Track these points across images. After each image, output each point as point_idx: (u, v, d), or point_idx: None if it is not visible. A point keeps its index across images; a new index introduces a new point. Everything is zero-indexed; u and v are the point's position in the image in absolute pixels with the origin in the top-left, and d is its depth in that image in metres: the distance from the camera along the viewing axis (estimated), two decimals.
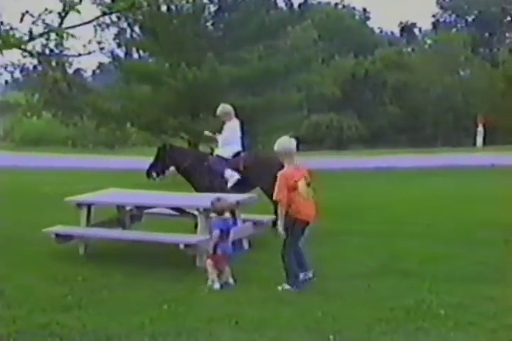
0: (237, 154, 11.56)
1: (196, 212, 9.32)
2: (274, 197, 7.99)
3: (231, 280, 7.99)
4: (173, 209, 10.39)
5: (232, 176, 11.03)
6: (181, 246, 8.75)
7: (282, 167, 11.80)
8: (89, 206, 9.96)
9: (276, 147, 8.09)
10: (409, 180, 19.37)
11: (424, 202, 14.41)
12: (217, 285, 7.81)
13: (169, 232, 9.72)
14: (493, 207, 13.21)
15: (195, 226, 10.79)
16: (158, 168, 11.66)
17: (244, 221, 10.05)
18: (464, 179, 18.88)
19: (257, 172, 11.18)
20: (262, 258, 9.33)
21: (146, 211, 10.74)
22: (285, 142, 8.11)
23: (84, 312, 6.97)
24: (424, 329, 6.24)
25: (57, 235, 9.69)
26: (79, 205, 9.96)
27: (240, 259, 8.69)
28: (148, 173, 11.67)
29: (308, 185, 8.06)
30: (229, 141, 11.53)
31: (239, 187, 11.10)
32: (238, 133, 11.68)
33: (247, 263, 8.91)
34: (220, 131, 11.76)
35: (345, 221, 12.16)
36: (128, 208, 10.57)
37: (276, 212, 11.28)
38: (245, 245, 9.91)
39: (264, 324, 6.47)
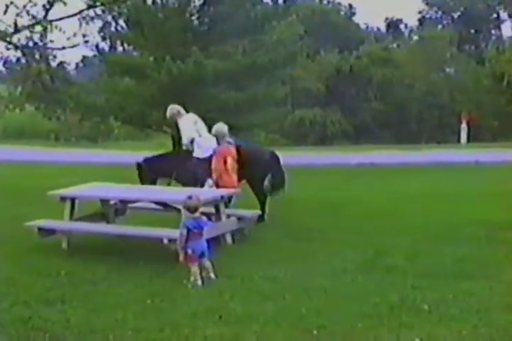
0: None
1: (180, 207, 9.29)
2: (212, 167, 10.55)
3: (212, 275, 7.97)
4: (157, 203, 10.36)
5: (211, 186, 10.87)
6: (165, 241, 8.74)
7: (267, 160, 11.86)
8: (72, 200, 9.92)
9: (213, 131, 10.87)
10: (393, 176, 19.40)
11: (408, 199, 14.43)
12: (199, 281, 7.79)
13: (153, 227, 9.70)
14: (477, 203, 13.26)
15: None
16: (148, 183, 11.67)
17: (228, 216, 10.02)
18: (448, 175, 18.93)
19: (242, 165, 11.17)
20: (246, 252, 9.35)
21: (130, 205, 10.72)
22: (219, 127, 10.84)
23: (68, 306, 6.99)
24: (408, 325, 6.28)
25: (40, 229, 9.66)
26: (62, 199, 9.92)
27: (223, 253, 8.70)
28: None
29: (234, 160, 10.63)
30: (190, 137, 11.47)
31: None
32: (195, 127, 11.61)
33: (230, 257, 8.91)
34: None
35: (329, 216, 12.16)
36: (112, 202, 10.54)
37: (262, 208, 11.37)
38: (228, 240, 9.89)
39: (248, 318, 6.48)
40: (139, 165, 11.96)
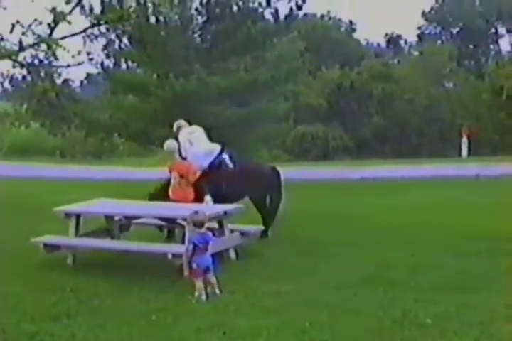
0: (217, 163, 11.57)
1: (184, 222, 9.36)
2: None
3: (217, 291, 8.03)
4: (161, 219, 10.44)
5: (207, 202, 10.91)
6: (169, 256, 8.81)
7: (270, 176, 11.95)
8: (77, 216, 9.99)
9: (164, 147, 10.97)
10: (394, 190, 19.44)
11: (410, 213, 14.48)
12: (203, 296, 7.85)
13: (157, 242, 9.78)
14: (478, 217, 13.31)
15: (168, 235, 10.94)
16: None
17: (231, 231, 10.10)
18: (448, 189, 18.98)
19: (245, 182, 11.26)
20: (249, 268, 9.41)
21: (134, 221, 10.79)
22: (169, 144, 10.93)
23: (73, 321, 7.02)
24: (411, 339, 6.34)
25: (46, 245, 9.72)
26: (67, 215, 9.98)
27: (227, 268, 8.77)
28: None
29: (180, 176, 10.66)
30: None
31: (227, 197, 11.13)
32: (188, 136, 11.60)
33: (234, 272, 8.97)
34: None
35: (332, 231, 12.23)
36: (116, 218, 10.61)
37: (264, 223, 11.44)
38: (232, 255, 9.96)
39: (252, 333, 6.52)
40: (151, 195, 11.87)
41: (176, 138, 11.85)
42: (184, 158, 11.17)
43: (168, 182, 10.96)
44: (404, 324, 6.75)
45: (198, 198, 10.75)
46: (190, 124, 11.99)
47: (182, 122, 11.92)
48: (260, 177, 11.72)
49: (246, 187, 11.36)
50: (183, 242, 9.22)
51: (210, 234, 8.32)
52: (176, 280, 8.52)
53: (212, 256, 8.20)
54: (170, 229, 10.98)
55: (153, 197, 11.19)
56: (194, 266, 7.97)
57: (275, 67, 22.22)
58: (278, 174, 12.17)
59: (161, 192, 11.09)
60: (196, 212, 8.27)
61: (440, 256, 10.01)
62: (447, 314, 7.05)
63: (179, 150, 11.09)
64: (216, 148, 11.53)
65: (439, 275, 8.88)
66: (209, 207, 10.30)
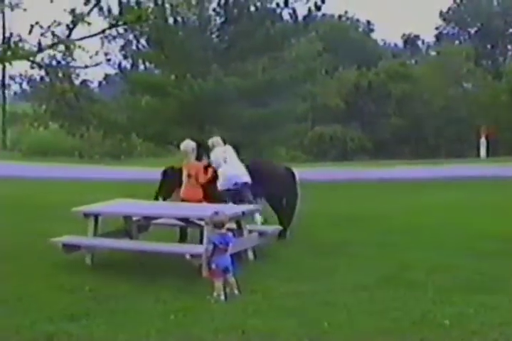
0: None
1: (202, 223, 9.38)
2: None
3: (236, 291, 8.03)
4: (179, 219, 10.46)
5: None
6: (188, 257, 8.82)
7: (285, 177, 11.97)
8: (96, 216, 10.01)
9: (181, 147, 11.28)
10: (413, 191, 19.40)
11: (428, 213, 14.45)
12: (222, 297, 7.85)
13: (175, 242, 9.79)
14: (497, 218, 13.27)
15: (181, 237, 10.94)
16: None
17: (249, 231, 10.10)
18: (467, 190, 18.90)
19: (261, 182, 11.28)
20: (267, 268, 9.40)
21: (153, 221, 10.82)
22: (185, 144, 11.22)
23: (91, 321, 7.02)
24: (429, 340, 6.30)
25: (65, 245, 9.75)
26: (86, 215, 10.01)
27: (245, 269, 8.76)
28: None
29: (188, 175, 10.92)
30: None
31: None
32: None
33: (252, 273, 8.97)
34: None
35: (351, 231, 12.22)
36: (135, 218, 10.64)
37: (281, 224, 11.43)
38: (250, 255, 9.96)
39: (270, 334, 6.51)
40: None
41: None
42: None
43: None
44: (423, 325, 6.71)
45: (208, 198, 10.90)
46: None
47: (219, 140, 11.98)
48: (275, 178, 11.73)
49: (261, 188, 11.37)
50: (201, 243, 9.23)
51: (230, 234, 8.34)
52: (194, 280, 8.53)
53: (232, 256, 8.21)
54: (182, 230, 11.01)
55: (165, 172, 11.83)
56: (213, 266, 7.98)
57: (293, 67, 22.21)
58: (293, 174, 12.17)
59: (175, 171, 11.42)
60: (217, 213, 8.27)
61: (459, 257, 9.96)
62: (466, 315, 7.00)
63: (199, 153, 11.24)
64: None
65: (457, 276, 8.83)
66: (226, 207, 10.30)
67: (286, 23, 21.67)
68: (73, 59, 13.59)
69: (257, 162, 11.92)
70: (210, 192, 11.02)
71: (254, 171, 11.48)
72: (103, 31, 13.22)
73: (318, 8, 20.99)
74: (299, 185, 12.20)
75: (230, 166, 11.34)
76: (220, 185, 11.20)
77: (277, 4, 20.90)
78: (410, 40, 64.51)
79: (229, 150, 11.76)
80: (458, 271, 9.11)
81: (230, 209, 9.93)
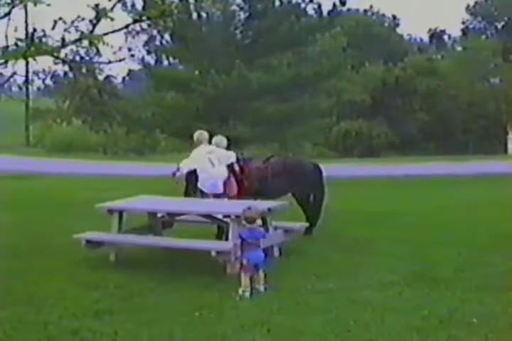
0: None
1: (228, 219, 9.30)
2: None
3: (262, 288, 7.97)
4: (204, 216, 10.38)
5: None
6: (213, 253, 8.75)
7: (313, 172, 11.88)
8: (120, 212, 9.97)
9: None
10: (439, 187, 19.24)
11: (456, 210, 14.31)
12: (247, 293, 7.80)
13: (200, 239, 9.73)
14: None
15: (217, 235, 10.81)
16: None
17: (275, 228, 10.01)
18: (494, 187, 18.71)
19: (288, 178, 11.19)
20: (293, 265, 9.32)
21: (177, 218, 10.75)
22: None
23: (116, 318, 7.00)
24: (457, 338, 6.20)
25: (88, 241, 9.72)
26: (110, 211, 9.98)
27: (271, 266, 8.68)
28: None
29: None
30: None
31: (270, 193, 11.05)
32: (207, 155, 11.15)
33: (278, 270, 8.89)
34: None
35: (378, 228, 12.11)
36: (159, 215, 10.59)
37: (308, 221, 11.33)
38: (276, 252, 9.88)
39: (296, 331, 6.45)
40: None
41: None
42: None
43: None
44: (451, 323, 6.61)
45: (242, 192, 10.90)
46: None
47: (205, 135, 11.30)
48: (302, 174, 11.64)
49: (288, 184, 11.29)
50: (226, 239, 9.16)
51: (261, 229, 8.29)
52: (219, 277, 8.48)
53: (264, 251, 8.17)
54: (220, 226, 10.82)
55: None
56: (245, 261, 7.94)
57: (318, 62, 22.14)
58: (320, 171, 12.06)
59: None
60: (249, 208, 8.24)
61: (486, 254, 9.83)
62: (494, 313, 6.90)
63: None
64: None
65: (485, 274, 8.70)
66: (253, 203, 10.20)
67: (310, 18, 21.67)
68: (99, 54, 13.57)
69: (285, 159, 11.78)
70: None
71: (282, 168, 11.42)
72: (126, 26, 13.12)
73: (343, 3, 20.98)
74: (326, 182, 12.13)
75: (217, 173, 10.94)
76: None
77: None
78: (436, 35, 64.17)
79: (217, 152, 11.09)
80: (487, 268, 8.97)
81: (260, 205, 9.84)
